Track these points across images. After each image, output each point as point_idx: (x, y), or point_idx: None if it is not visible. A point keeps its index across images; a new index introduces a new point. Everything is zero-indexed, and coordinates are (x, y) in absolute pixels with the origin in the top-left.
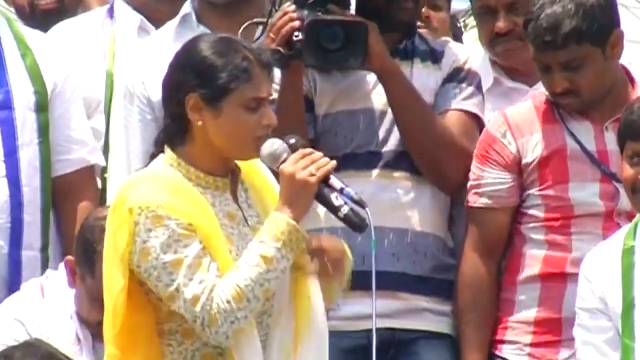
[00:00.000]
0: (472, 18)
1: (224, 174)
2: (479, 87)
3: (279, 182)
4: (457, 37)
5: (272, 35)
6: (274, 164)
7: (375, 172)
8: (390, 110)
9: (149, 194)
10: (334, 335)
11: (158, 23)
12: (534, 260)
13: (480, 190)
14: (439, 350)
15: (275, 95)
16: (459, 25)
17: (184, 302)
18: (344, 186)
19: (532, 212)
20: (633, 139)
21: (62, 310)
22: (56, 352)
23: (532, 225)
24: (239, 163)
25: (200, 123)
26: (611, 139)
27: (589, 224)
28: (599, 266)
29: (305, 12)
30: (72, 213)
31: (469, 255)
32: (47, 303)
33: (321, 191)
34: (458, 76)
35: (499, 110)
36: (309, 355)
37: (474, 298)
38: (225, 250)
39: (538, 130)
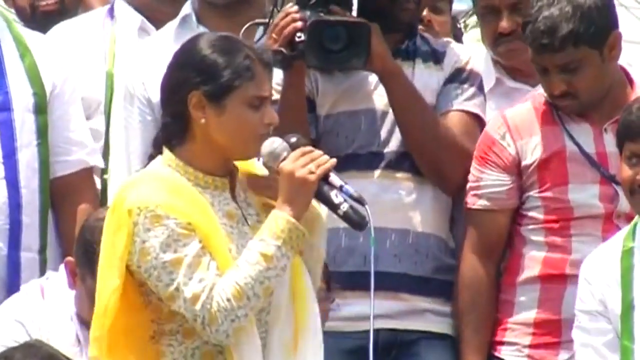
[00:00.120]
0: (472, 18)
1: (222, 174)
2: (480, 88)
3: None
4: (457, 37)
5: (274, 35)
6: (274, 162)
7: (377, 173)
8: (391, 111)
9: (147, 194)
10: (334, 335)
11: (158, 23)
12: (533, 261)
13: (479, 192)
14: (440, 350)
15: (277, 96)
16: (458, 25)
17: (184, 301)
18: (343, 183)
19: (531, 213)
20: (631, 139)
21: (62, 311)
22: (56, 353)
23: (531, 226)
24: (236, 162)
25: (203, 120)
26: (610, 141)
27: (588, 226)
28: (598, 268)
29: (308, 13)
30: (70, 214)
31: (467, 257)
32: (47, 304)
33: (320, 189)
34: (459, 76)
35: (498, 111)
36: (308, 353)
37: (473, 299)
38: (225, 249)
39: (537, 132)
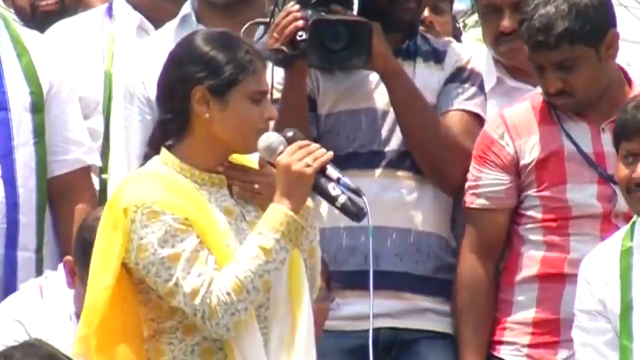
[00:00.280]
0: (471, 18)
1: (218, 170)
2: (481, 87)
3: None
4: (456, 37)
5: (275, 34)
6: (271, 157)
7: (378, 172)
8: (392, 110)
9: (143, 192)
10: (335, 335)
11: (158, 22)
12: (531, 260)
13: (477, 191)
14: (441, 350)
15: (278, 95)
16: (457, 25)
17: (183, 296)
18: (340, 176)
19: (529, 213)
20: (627, 138)
21: (61, 310)
22: (56, 352)
23: (529, 226)
24: (232, 158)
25: (207, 115)
26: (608, 140)
27: (587, 225)
28: (597, 268)
29: (309, 12)
30: (68, 213)
31: (466, 256)
32: (45, 303)
33: (318, 182)
34: (460, 76)
35: (497, 111)
36: (302, 349)
37: (472, 299)
38: (223, 244)
39: (535, 132)
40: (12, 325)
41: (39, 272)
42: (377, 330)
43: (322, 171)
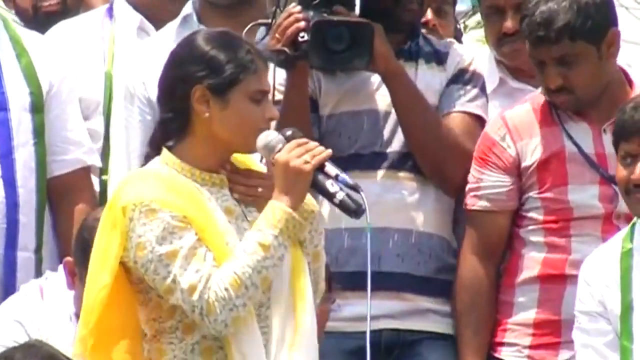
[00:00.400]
0: (471, 19)
1: (219, 170)
2: (483, 89)
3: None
4: (457, 38)
5: (277, 35)
6: (269, 155)
7: (380, 173)
8: (394, 111)
9: (141, 190)
10: (335, 336)
11: (158, 23)
12: (532, 262)
13: (479, 193)
14: (442, 350)
15: (279, 96)
16: (458, 26)
17: (181, 293)
18: (339, 172)
19: (531, 214)
20: (625, 139)
21: (61, 311)
22: (57, 353)
23: (530, 227)
24: (235, 159)
25: (207, 115)
26: (609, 141)
27: (588, 226)
28: (597, 269)
29: (311, 13)
30: (68, 213)
31: (467, 258)
32: (46, 304)
33: (316, 179)
34: (462, 77)
35: (498, 112)
36: (304, 351)
37: (472, 300)
38: (222, 242)
39: (537, 133)
40: (13, 326)
41: (38, 272)
42: (379, 332)
43: (320, 168)
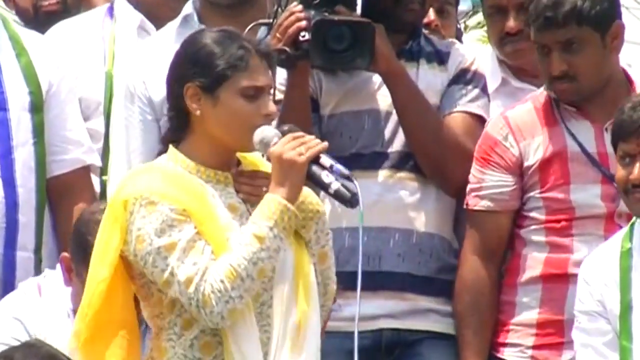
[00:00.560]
0: (472, 19)
1: (224, 168)
2: (484, 89)
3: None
4: (457, 38)
5: (278, 35)
6: (265, 150)
7: (381, 173)
8: (395, 111)
9: (142, 184)
10: (336, 336)
11: (159, 22)
12: (534, 261)
13: (481, 193)
14: (443, 350)
15: (280, 96)
16: (458, 26)
17: (178, 285)
18: (333, 163)
19: (532, 214)
20: (623, 139)
21: (59, 308)
22: (57, 353)
23: (532, 227)
24: (244, 159)
25: (198, 112)
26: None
27: (590, 226)
28: (597, 268)
29: (312, 12)
30: (67, 213)
31: (468, 258)
32: (44, 301)
33: (311, 170)
34: (464, 77)
35: (499, 112)
36: (308, 348)
37: (474, 301)
38: (221, 236)
39: (539, 133)
40: (12, 323)
41: (37, 272)
42: (379, 331)
43: (315, 160)
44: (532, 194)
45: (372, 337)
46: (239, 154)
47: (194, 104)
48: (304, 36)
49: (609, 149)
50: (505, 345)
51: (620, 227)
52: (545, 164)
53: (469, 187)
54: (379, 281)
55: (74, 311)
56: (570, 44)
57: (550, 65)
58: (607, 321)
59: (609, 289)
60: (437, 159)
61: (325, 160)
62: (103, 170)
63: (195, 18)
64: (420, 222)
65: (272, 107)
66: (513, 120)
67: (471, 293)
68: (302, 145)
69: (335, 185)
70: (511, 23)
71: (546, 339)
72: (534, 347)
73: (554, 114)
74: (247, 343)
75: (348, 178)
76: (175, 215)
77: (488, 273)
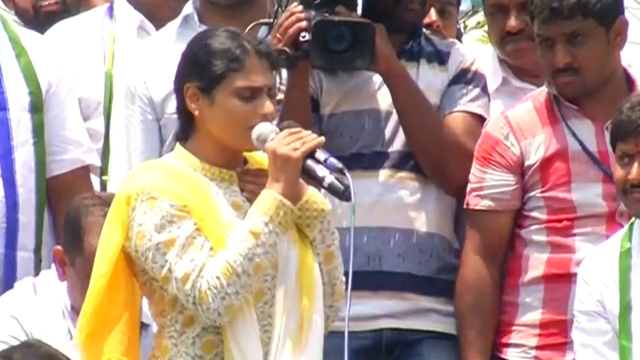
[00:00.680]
0: (471, 19)
1: (229, 166)
2: (484, 89)
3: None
4: (457, 38)
5: (278, 35)
6: (262, 146)
7: (381, 172)
8: (395, 111)
9: (145, 180)
10: (337, 335)
11: (159, 22)
12: (536, 262)
13: (482, 193)
14: (443, 350)
15: (281, 96)
16: (458, 26)
17: (176, 282)
18: (327, 157)
19: (533, 214)
20: (622, 139)
21: (54, 306)
22: (56, 353)
23: (533, 227)
24: (251, 158)
25: (197, 112)
26: None
27: (592, 225)
28: (596, 268)
29: (312, 13)
30: None
31: (470, 258)
32: (39, 300)
33: (306, 164)
34: (464, 77)
35: (500, 111)
36: (312, 348)
37: (476, 301)
38: (222, 232)
39: (540, 132)
40: (8, 322)
41: (37, 272)
42: (379, 331)
43: (311, 155)
44: (533, 193)
45: (373, 337)
46: (246, 153)
47: (193, 104)
48: (304, 37)
49: (610, 147)
50: (508, 345)
51: (622, 226)
52: (546, 163)
53: (469, 186)
54: (379, 281)
55: (72, 307)
56: (575, 37)
57: (554, 57)
58: (606, 321)
59: (609, 288)
60: (438, 159)
61: (320, 154)
62: (103, 170)
63: (196, 18)
64: (421, 222)
65: (269, 108)
66: (514, 119)
67: (473, 293)
68: (297, 141)
69: (329, 178)
70: (512, 22)
71: (549, 339)
72: (537, 348)
73: (555, 113)
74: (246, 340)
75: (341, 171)
76: (175, 211)
77: (490, 273)
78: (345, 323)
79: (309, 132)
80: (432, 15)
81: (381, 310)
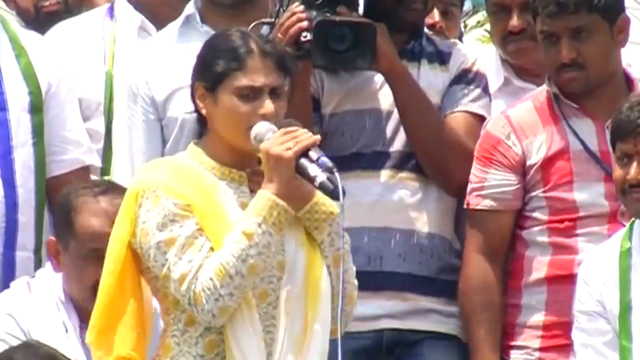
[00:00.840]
0: (472, 19)
1: (240, 166)
2: (485, 89)
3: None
4: (458, 38)
5: (279, 35)
6: (259, 145)
7: (382, 172)
8: (396, 110)
9: (152, 177)
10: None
11: (160, 22)
12: (538, 263)
13: (483, 192)
14: (444, 350)
15: None
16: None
17: (173, 282)
18: (320, 155)
19: (535, 214)
20: (621, 139)
21: (48, 299)
22: (56, 353)
23: (535, 228)
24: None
25: (204, 111)
26: None
27: (594, 224)
28: (596, 268)
29: (314, 13)
30: None
31: (473, 258)
32: (33, 297)
33: (299, 164)
34: (465, 77)
35: (500, 111)
36: (315, 350)
37: (484, 299)
38: (225, 232)
39: (541, 131)
40: (4, 319)
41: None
42: (380, 332)
43: (305, 154)
44: (534, 193)
45: (373, 337)
46: (260, 154)
47: (201, 103)
48: (305, 36)
49: (611, 147)
50: (511, 347)
51: (624, 226)
52: (547, 163)
53: (469, 186)
54: (380, 281)
55: (68, 297)
56: (579, 32)
57: (559, 53)
58: (606, 321)
59: (609, 289)
60: (439, 159)
61: (314, 153)
62: (103, 171)
63: (198, 18)
64: (422, 222)
65: (270, 108)
66: (515, 118)
67: (480, 292)
68: (291, 140)
69: (321, 177)
70: (514, 21)
71: (552, 340)
72: (541, 349)
73: (555, 112)
74: (247, 340)
75: (331, 171)
76: (178, 210)
77: (494, 272)
78: (338, 322)
79: (305, 130)
80: (435, 16)
81: (382, 311)
